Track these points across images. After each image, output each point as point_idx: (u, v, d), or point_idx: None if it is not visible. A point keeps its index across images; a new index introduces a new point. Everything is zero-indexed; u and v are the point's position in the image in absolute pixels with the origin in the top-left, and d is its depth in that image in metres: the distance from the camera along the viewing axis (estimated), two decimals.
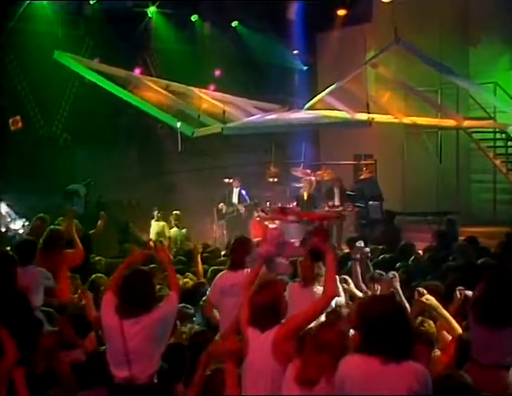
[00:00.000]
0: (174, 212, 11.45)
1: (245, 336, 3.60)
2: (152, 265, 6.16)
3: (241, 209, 12.24)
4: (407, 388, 2.83)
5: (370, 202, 11.69)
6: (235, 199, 12.44)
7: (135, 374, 3.71)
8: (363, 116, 12.33)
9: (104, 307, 3.93)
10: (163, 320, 3.84)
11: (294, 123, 12.56)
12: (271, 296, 3.56)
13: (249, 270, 4.88)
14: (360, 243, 6.30)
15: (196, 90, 12.76)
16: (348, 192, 12.26)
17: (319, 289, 5.13)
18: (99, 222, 8.05)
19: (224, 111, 12.48)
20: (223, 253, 8.09)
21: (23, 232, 9.39)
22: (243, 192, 12.44)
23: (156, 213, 11.33)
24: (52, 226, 6.80)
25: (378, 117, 12.30)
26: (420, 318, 4.44)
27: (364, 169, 12.73)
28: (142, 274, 4.00)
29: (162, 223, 11.22)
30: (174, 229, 11.19)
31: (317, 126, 13.40)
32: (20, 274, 5.07)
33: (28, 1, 11.33)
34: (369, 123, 11.77)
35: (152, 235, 10.91)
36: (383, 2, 12.93)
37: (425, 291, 4.60)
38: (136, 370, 3.71)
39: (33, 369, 3.97)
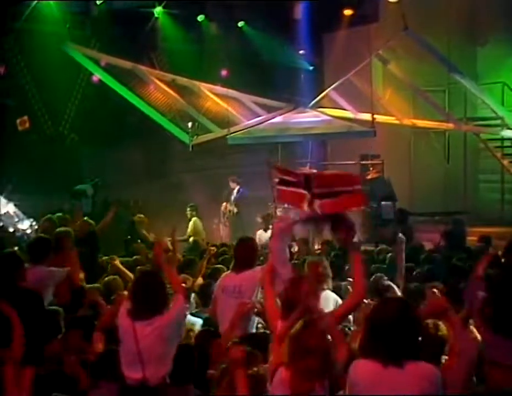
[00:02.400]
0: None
1: (273, 329, 3.60)
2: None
3: (234, 209, 12.18)
4: (419, 389, 2.82)
5: (383, 203, 11.61)
6: (233, 199, 12.45)
7: (148, 376, 3.72)
8: (366, 116, 12.34)
9: (120, 310, 3.97)
10: (175, 321, 3.86)
11: (298, 133, 12.61)
12: (303, 292, 3.54)
13: (251, 272, 4.86)
14: (401, 237, 6.24)
15: (201, 85, 12.80)
16: None
17: (327, 292, 5.08)
18: (107, 214, 8.10)
19: (228, 112, 12.55)
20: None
21: (30, 233, 9.44)
22: (241, 191, 12.39)
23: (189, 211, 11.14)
24: (58, 229, 6.81)
25: (380, 118, 12.32)
26: (432, 320, 4.36)
27: (371, 169, 12.69)
28: (153, 276, 4.02)
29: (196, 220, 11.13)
30: None
31: (321, 137, 13.40)
32: (29, 273, 5.08)
33: (36, 2, 11.37)
34: (373, 133, 11.76)
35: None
36: (390, 2, 12.91)
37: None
38: (149, 372, 3.73)
39: (42, 370, 3.97)
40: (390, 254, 7.50)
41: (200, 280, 6.34)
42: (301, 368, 3.03)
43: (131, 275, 6.04)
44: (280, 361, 3.17)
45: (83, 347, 4.27)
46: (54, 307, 4.94)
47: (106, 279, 6.11)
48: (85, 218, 7.73)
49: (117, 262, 6.42)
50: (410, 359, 2.86)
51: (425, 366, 2.90)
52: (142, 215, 10.40)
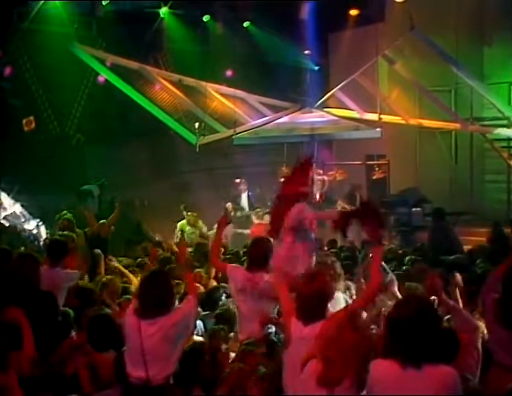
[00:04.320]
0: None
1: (287, 326, 3.57)
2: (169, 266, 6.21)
3: (250, 214, 11.92)
4: (434, 392, 2.80)
5: (414, 209, 11.48)
6: (244, 203, 12.33)
7: (151, 375, 3.72)
8: (372, 116, 12.30)
9: (128, 309, 4.00)
10: (181, 322, 3.84)
11: (304, 133, 12.61)
12: (318, 289, 3.50)
13: (266, 275, 4.81)
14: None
15: (207, 85, 12.83)
16: (385, 200, 12.03)
17: (337, 294, 5.01)
18: (113, 214, 8.16)
19: (234, 112, 12.54)
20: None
21: (37, 233, 9.47)
22: (250, 196, 12.29)
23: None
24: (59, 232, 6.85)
25: (386, 118, 12.29)
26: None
27: (377, 169, 12.67)
28: (160, 275, 4.02)
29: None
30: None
31: (328, 137, 13.38)
32: (46, 274, 5.09)
33: (42, 2, 11.40)
34: (380, 133, 11.72)
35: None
36: (396, 1, 12.86)
37: None
38: (153, 371, 3.72)
39: (50, 370, 3.98)
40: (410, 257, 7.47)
41: (214, 283, 6.34)
42: (330, 357, 3.02)
43: (131, 276, 6.07)
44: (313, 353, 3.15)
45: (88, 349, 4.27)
46: (64, 309, 4.96)
47: (104, 279, 6.12)
48: (103, 220, 7.87)
49: (114, 263, 6.42)
50: (429, 361, 2.83)
51: (443, 369, 2.86)
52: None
